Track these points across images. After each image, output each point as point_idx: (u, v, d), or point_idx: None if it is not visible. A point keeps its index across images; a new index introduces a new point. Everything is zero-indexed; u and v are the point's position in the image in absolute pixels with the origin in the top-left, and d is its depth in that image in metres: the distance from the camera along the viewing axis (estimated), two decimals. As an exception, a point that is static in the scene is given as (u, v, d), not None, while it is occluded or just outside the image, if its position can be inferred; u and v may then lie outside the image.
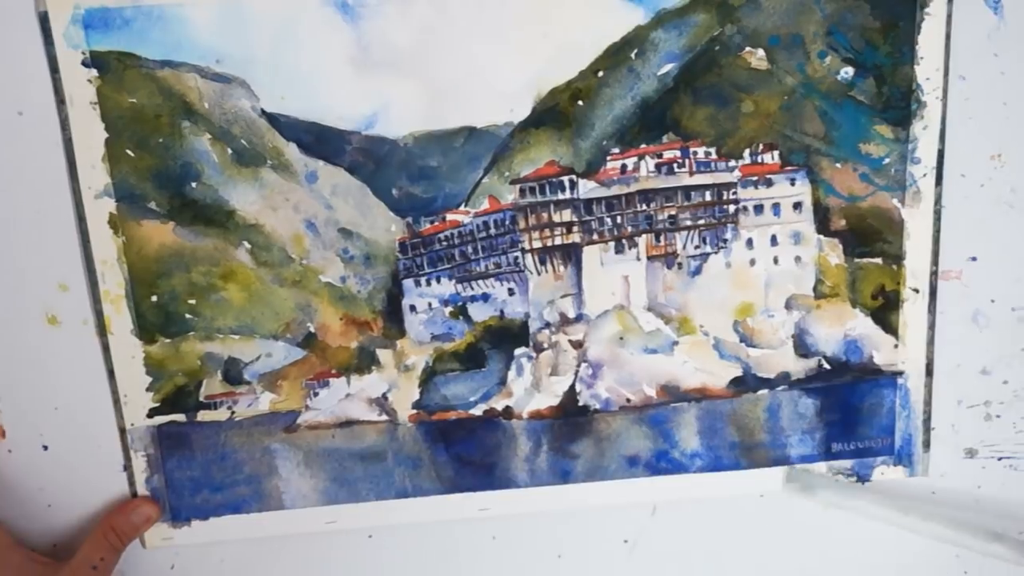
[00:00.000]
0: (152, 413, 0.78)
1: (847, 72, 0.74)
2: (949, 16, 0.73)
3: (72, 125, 0.72)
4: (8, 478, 0.79)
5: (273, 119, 0.73)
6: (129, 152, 0.73)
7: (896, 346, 0.81)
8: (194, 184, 0.74)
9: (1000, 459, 0.85)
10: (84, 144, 0.72)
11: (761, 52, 0.74)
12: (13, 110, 0.72)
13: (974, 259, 0.80)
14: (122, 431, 0.78)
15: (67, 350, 0.77)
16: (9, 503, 0.80)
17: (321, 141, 0.73)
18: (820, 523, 0.86)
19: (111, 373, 0.77)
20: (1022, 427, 0.84)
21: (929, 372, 0.82)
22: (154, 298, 0.76)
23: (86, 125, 0.72)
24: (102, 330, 0.76)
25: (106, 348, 0.76)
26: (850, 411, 0.83)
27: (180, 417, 0.78)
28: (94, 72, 0.71)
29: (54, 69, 0.70)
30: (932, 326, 0.81)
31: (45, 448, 0.79)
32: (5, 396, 0.78)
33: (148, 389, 0.77)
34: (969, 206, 0.78)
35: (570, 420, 0.81)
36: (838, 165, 0.77)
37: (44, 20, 0.69)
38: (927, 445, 0.84)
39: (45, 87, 0.71)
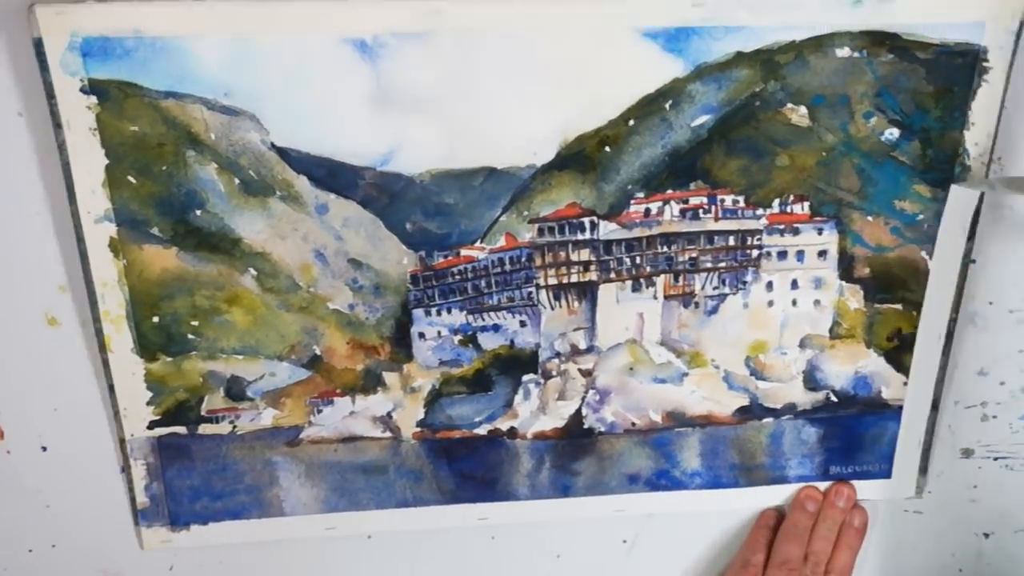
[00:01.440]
0: (152, 425, 0.77)
1: (892, 133, 0.71)
2: (1007, 84, 0.69)
3: (70, 150, 0.67)
4: (6, 479, 0.79)
5: (283, 153, 0.69)
6: (131, 179, 0.69)
7: (905, 384, 0.80)
8: (199, 212, 0.70)
9: (996, 459, 0.86)
10: (83, 169, 0.68)
11: (803, 110, 0.70)
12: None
13: (973, 262, 0.78)
14: (121, 441, 0.78)
15: (67, 351, 0.75)
16: (7, 504, 0.80)
17: (333, 175, 0.70)
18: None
19: (111, 388, 0.75)
20: (1018, 428, 0.84)
21: (935, 407, 0.82)
22: (156, 319, 0.73)
23: (85, 150, 0.67)
24: (102, 347, 0.74)
25: (106, 364, 0.75)
26: (851, 438, 0.83)
27: (181, 429, 0.78)
28: (93, 99, 0.66)
29: (50, 95, 0.66)
30: (944, 367, 0.80)
31: (44, 449, 0.78)
32: (4, 396, 0.76)
33: (149, 403, 0.76)
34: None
35: (574, 441, 0.81)
36: (869, 218, 0.74)
37: (39, 46, 0.64)
38: (924, 471, 0.85)
39: (42, 111, 0.66)
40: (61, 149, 0.68)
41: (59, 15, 0.63)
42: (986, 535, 0.88)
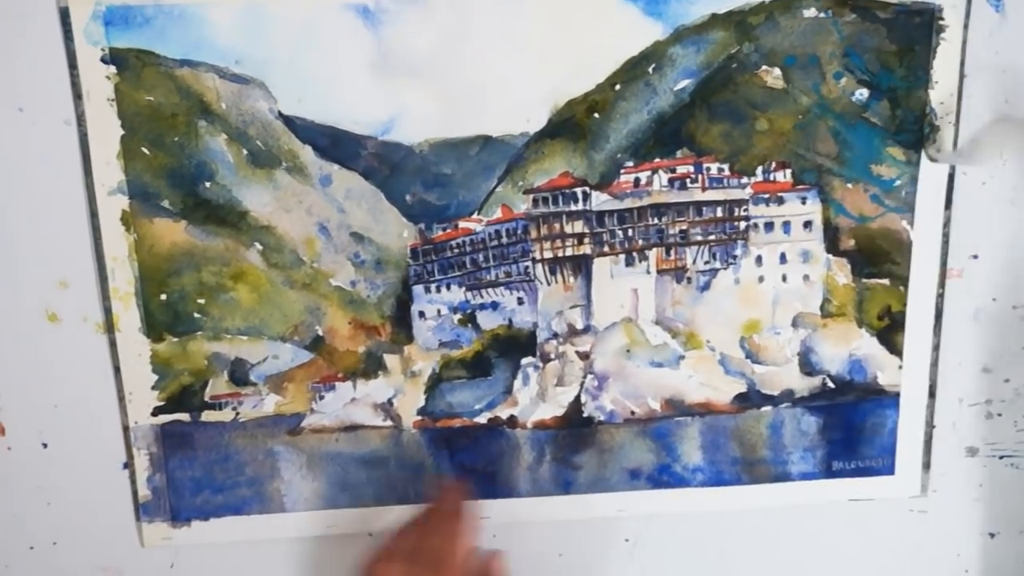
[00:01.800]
0: (156, 412, 0.78)
1: (862, 94, 0.75)
2: (964, 42, 0.74)
3: (88, 121, 0.72)
4: (7, 475, 0.79)
5: (289, 122, 0.73)
6: (144, 150, 0.72)
7: (900, 367, 0.81)
8: (208, 184, 0.74)
9: (1001, 457, 0.85)
10: (100, 140, 0.72)
11: (777, 71, 0.74)
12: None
13: (975, 257, 0.80)
14: (125, 429, 0.78)
15: (67, 347, 0.77)
16: (8, 500, 0.79)
17: (336, 145, 0.73)
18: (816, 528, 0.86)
19: (117, 370, 0.77)
20: (1023, 425, 0.84)
21: (932, 394, 0.82)
22: (163, 296, 0.76)
23: (102, 121, 0.72)
24: (110, 327, 0.76)
25: (113, 345, 0.76)
26: (852, 430, 0.83)
27: (184, 416, 0.78)
28: (112, 69, 0.70)
29: (72, 65, 0.70)
30: (937, 347, 0.81)
31: (45, 446, 0.78)
32: (4, 393, 0.78)
33: (154, 388, 0.77)
34: (971, 204, 0.79)
35: (574, 431, 0.81)
36: (849, 185, 0.77)
37: (65, 15, 0.69)
38: (927, 466, 0.84)
39: (63, 82, 0.71)
40: (80, 120, 0.72)
41: (85, -17, 0.69)
42: (992, 535, 0.87)
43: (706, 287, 0.79)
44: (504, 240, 0.77)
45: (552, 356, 0.80)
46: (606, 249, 0.78)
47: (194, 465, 0.79)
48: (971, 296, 0.81)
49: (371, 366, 0.79)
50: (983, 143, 0.74)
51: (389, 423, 0.80)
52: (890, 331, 0.81)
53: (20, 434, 0.79)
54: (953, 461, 0.85)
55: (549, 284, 0.78)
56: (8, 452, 0.79)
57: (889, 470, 0.84)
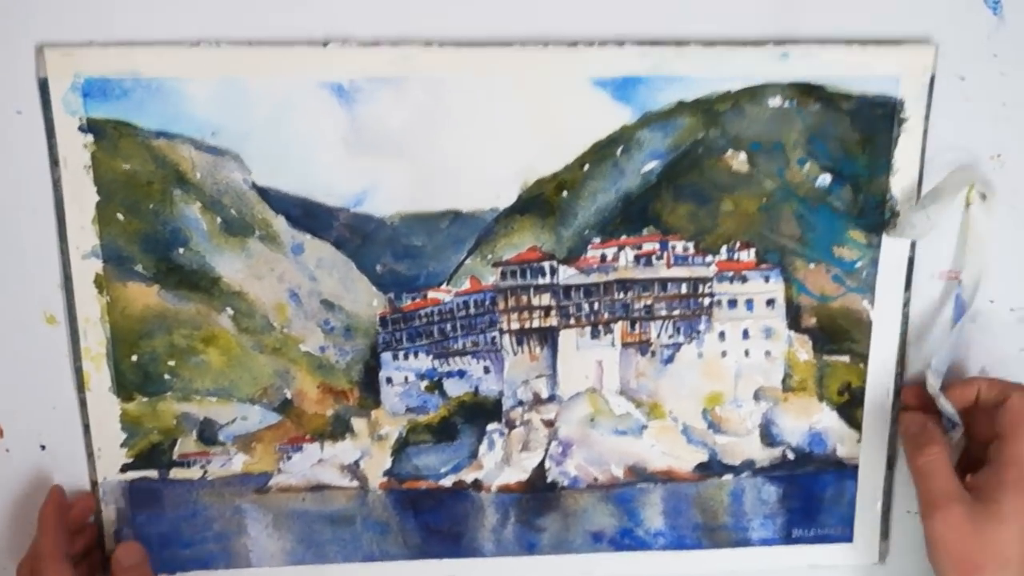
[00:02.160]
0: (125, 468, 0.79)
1: (825, 179, 0.77)
2: (925, 132, 0.76)
3: (64, 187, 0.73)
4: (5, 477, 0.80)
5: (263, 192, 0.74)
6: (119, 216, 0.74)
7: (859, 441, 0.83)
8: (182, 250, 0.75)
9: None
10: (75, 206, 0.73)
11: (743, 156, 0.76)
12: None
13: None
14: (94, 484, 0.79)
15: (65, 349, 0.77)
16: (6, 502, 0.80)
17: (309, 215, 0.75)
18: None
19: (86, 428, 0.78)
20: None
21: (891, 466, 0.84)
22: (134, 358, 0.77)
23: (78, 188, 0.73)
24: (80, 386, 0.77)
25: (83, 404, 0.77)
26: (811, 499, 0.85)
27: (152, 473, 0.79)
28: (90, 138, 0.72)
29: (50, 133, 0.71)
30: (895, 422, 0.83)
31: (43, 448, 0.79)
32: (2, 395, 0.78)
33: (123, 445, 0.78)
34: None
35: (538, 495, 0.83)
36: (811, 266, 0.79)
37: (44, 85, 0.71)
38: (885, 535, 0.86)
39: (40, 149, 0.72)
40: (56, 186, 0.73)
41: (65, 56, 0.70)
42: None
43: (670, 360, 0.81)
44: (472, 311, 0.78)
45: (517, 423, 0.81)
46: (572, 322, 0.79)
47: (162, 521, 0.81)
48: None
49: (339, 429, 0.80)
50: (914, 216, 0.76)
51: (355, 484, 0.82)
52: (850, 406, 0.83)
53: (18, 436, 0.79)
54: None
55: (516, 354, 0.80)
56: (6, 454, 0.79)
57: (848, 538, 0.86)
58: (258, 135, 0.73)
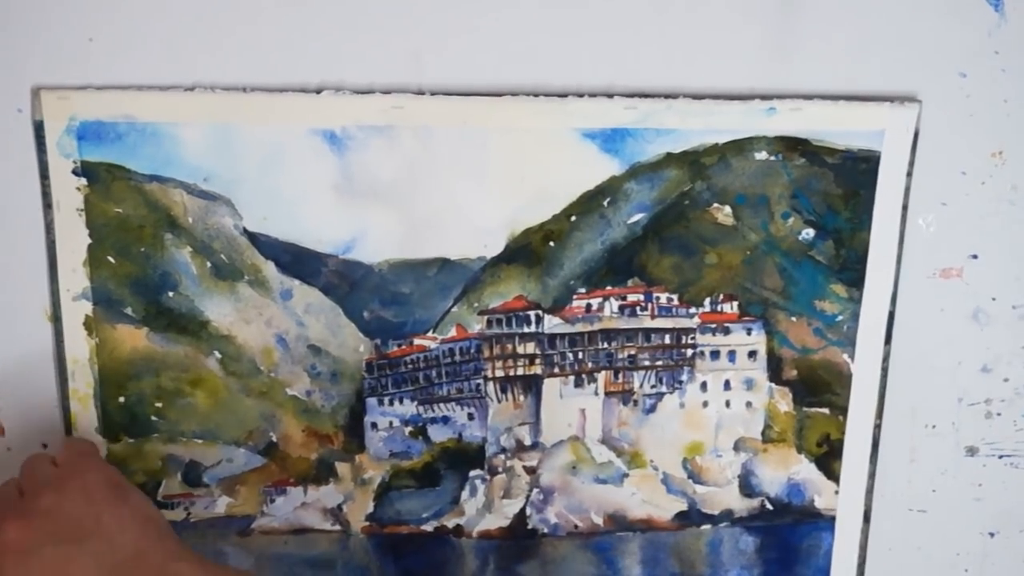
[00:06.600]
0: (109, 509, 0.79)
1: (808, 233, 0.78)
2: (907, 189, 0.77)
3: (57, 229, 0.73)
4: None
5: (254, 238, 0.75)
6: (111, 259, 0.74)
7: (837, 492, 0.84)
8: (171, 293, 0.76)
9: (1001, 457, 0.87)
10: (67, 248, 0.74)
11: (728, 209, 0.77)
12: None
13: (975, 257, 0.81)
14: (77, 525, 0.79)
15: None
16: None
17: (298, 261, 0.76)
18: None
19: (72, 468, 0.78)
20: (1023, 425, 0.86)
21: (867, 519, 0.85)
22: (122, 399, 0.77)
23: (70, 230, 0.73)
24: (68, 427, 0.77)
25: (69, 444, 0.77)
26: (789, 550, 0.86)
27: (136, 515, 0.79)
28: (83, 181, 0.72)
29: (44, 175, 0.72)
30: (872, 475, 0.84)
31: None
32: (4, 392, 0.78)
33: (107, 486, 0.78)
34: (970, 204, 0.80)
35: (519, 542, 0.83)
36: (793, 319, 0.80)
37: (39, 128, 0.71)
38: (861, 587, 0.87)
39: (33, 191, 0.73)
40: (48, 228, 0.73)
41: (61, 99, 0.71)
42: (991, 534, 0.89)
43: (652, 410, 0.82)
44: (457, 358, 0.79)
45: (500, 469, 0.82)
46: (556, 370, 0.80)
47: (143, 563, 0.80)
48: (970, 296, 0.82)
49: (322, 473, 0.81)
50: None
51: (338, 527, 0.82)
52: (828, 458, 0.84)
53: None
54: (953, 461, 0.86)
55: (499, 401, 0.80)
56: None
57: (824, 589, 0.87)
58: (250, 181, 0.74)
